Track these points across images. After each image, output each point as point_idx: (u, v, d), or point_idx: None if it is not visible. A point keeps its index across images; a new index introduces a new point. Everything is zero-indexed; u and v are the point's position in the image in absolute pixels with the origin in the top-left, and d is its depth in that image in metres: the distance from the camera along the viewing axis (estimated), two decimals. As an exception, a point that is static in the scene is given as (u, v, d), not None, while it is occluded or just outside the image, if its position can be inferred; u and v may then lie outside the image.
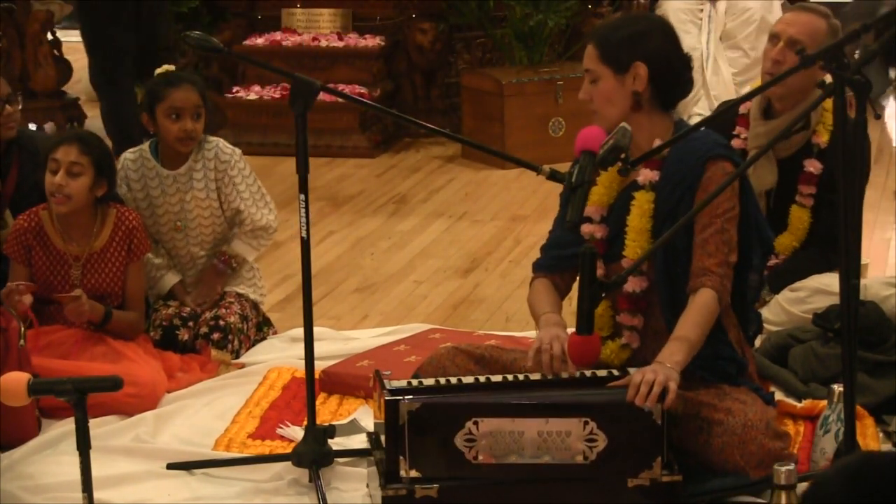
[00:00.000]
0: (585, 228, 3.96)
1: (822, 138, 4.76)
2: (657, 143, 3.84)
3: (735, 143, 4.81)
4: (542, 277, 4.08)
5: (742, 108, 4.87)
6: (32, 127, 7.82)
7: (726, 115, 4.74)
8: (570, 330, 3.80)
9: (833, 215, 4.70)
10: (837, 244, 4.57)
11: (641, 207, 3.89)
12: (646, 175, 3.91)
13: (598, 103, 3.94)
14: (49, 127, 8.29)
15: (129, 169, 5.05)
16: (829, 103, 4.75)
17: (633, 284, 3.90)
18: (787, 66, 4.71)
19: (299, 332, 4.45)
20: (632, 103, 3.91)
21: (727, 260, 3.82)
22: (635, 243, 3.89)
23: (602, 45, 3.92)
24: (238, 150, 5.10)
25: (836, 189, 4.67)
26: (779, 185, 4.80)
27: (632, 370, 3.74)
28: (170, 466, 4.13)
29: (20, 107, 5.15)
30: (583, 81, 3.99)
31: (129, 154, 5.09)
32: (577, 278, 3.99)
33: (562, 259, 4.05)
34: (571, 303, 3.98)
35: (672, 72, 3.94)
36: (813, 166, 4.75)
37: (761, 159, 4.73)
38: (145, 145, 5.09)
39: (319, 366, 4.44)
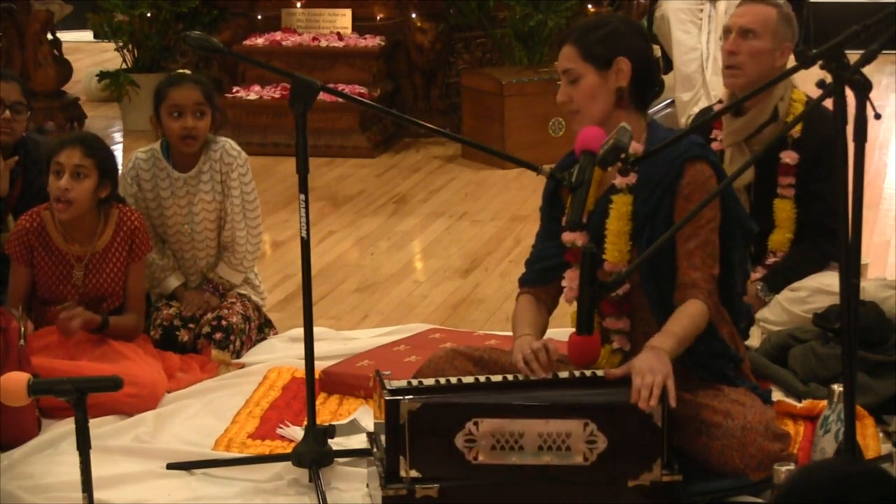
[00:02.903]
0: (566, 237, 3.96)
1: (795, 129, 4.77)
2: (635, 145, 3.84)
3: (714, 145, 4.83)
4: (527, 293, 4.08)
5: (716, 109, 4.91)
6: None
7: (708, 121, 4.78)
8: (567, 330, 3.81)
9: (821, 205, 4.73)
10: (830, 234, 4.59)
11: (620, 211, 3.89)
12: (623, 178, 3.91)
13: (581, 102, 3.93)
14: (49, 126, 8.29)
15: (140, 168, 5.04)
16: (797, 94, 4.81)
17: None
18: (742, 56, 4.79)
19: (299, 332, 4.45)
20: (615, 99, 3.91)
21: (712, 273, 3.83)
22: (615, 247, 3.88)
23: (581, 44, 3.92)
24: (244, 154, 5.08)
25: (819, 178, 4.71)
26: (757, 179, 4.82)
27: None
28: (170, 466, 4.13)
29: (26, 117, 5.08)
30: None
31: (140, 153, 5.06)
32: (566, 287, 4.00)
33: (546, 271, 4.05)
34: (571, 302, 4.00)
35: (650, 68, 3.96)
36: (789, 157, 4.77)
37: (737, 155, 4.77)
38: (156, 145, 5.07)
39: (319, 366, 4.44)
